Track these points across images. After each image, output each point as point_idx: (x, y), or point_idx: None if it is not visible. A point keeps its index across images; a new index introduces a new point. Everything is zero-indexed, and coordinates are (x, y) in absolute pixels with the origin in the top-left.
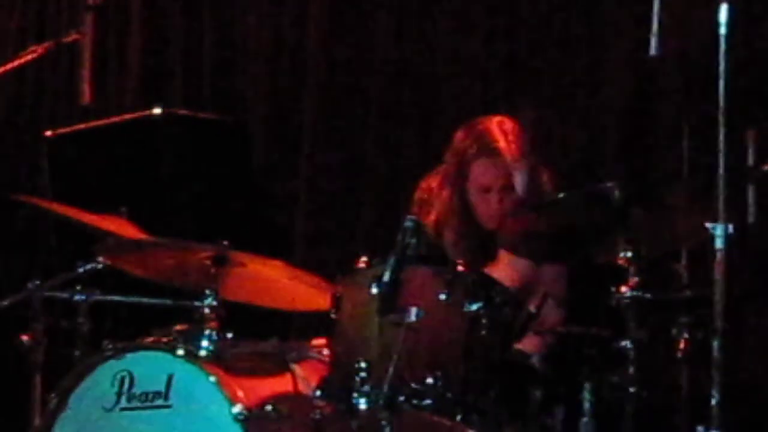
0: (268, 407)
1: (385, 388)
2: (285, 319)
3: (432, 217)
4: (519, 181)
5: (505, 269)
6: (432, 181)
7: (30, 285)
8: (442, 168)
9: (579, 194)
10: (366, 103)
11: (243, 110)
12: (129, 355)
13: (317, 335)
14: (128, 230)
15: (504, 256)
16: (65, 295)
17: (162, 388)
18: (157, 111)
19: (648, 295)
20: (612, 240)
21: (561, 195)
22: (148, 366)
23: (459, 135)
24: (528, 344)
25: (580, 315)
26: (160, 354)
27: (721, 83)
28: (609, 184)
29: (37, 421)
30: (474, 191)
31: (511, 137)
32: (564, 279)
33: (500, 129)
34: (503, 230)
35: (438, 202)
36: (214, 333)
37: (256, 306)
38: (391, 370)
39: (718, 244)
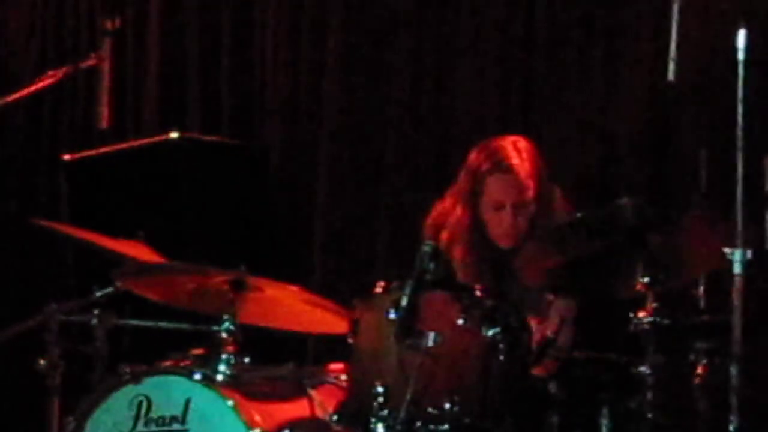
0: None
1: (403, 413)
2: (302, 344)
3: (444, 236)
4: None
5: None
6: (445, 203)
7: (47, 309)
8: (455, 187)
9: (596, 214)
10: (384, 128)
11: (260, 135)
12: (146, 380)
13: (334, 360)
14: (146, 255)
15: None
16: (82, 319)
17: (179, 412)
18: (174, 135)
19: (666, 321)
20: (631, 269)
21: (578, 215)
22: (165, 390)
23: (473, 153)
24: (544, 368)
25: (598, 340)
26: (177, 378)
27: (739, 108)
28: (624, 200)
29: None
30: (487, 208)
31: (524, 155)
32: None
33: (514, 147)
34: (518, 260)
35: (451, 220)
36: (231, 357)
37: (273, 330)
38: (408, 395)
39: (737, 269)
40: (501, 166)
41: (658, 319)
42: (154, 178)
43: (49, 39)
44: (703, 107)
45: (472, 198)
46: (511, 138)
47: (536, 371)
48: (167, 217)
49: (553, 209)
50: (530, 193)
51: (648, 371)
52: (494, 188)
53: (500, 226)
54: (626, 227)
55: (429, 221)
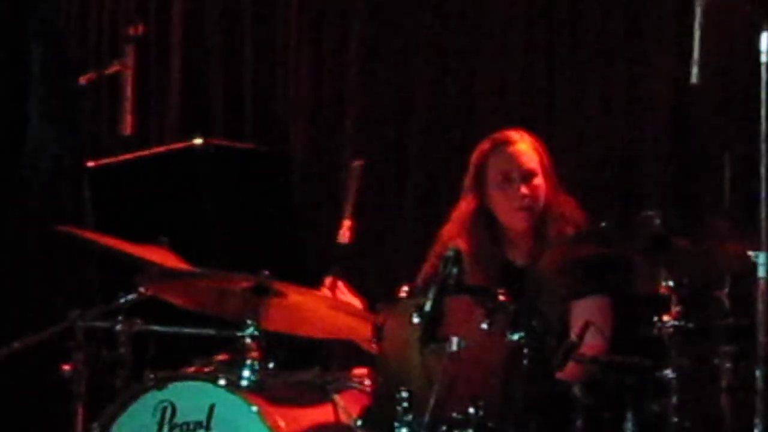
0: None
1: (427, 417)
2: (326, 349)
3: (449, 231)
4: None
5: None
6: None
7: (72, 315)
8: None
9: (621, 223)
10: (408, 131)
11: (284, 140)
12: (170, 385)
13: (358, 365)
14: (170, 260)
15: None
16: (107, 325)
17: (203, 418)
18: (198, 141)
19: (690, 324)
20: (654, 269)
21: (603, 224)
22: (189, 396)
23: (476, 148)
24: (568, 372)
25: (622, 344)
26: (201, 384)
27: (763, 110)
28: (651, 213)
29: None
30: (494, 188)
31: (525, 137)
32: (607, 311)
33: (514, 130)
34: (543, 262)
35: (455, 216)
36: (255, 363)
37: (297, 336)
38: (432, 399)
39: (761, 272)
40: (502, 142)
41: (682, 323)
42: (178, 184)
43: (72, 46)
44: (727, 110)
45: (477, 186)
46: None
47: (564, 376)
48: (191, 222)
49: (562, 199)
50: (534, 164)
51: (672, 375)
52: (498, 163)
53: (510, 201)
54: (652, 235)
55: (439, 238)
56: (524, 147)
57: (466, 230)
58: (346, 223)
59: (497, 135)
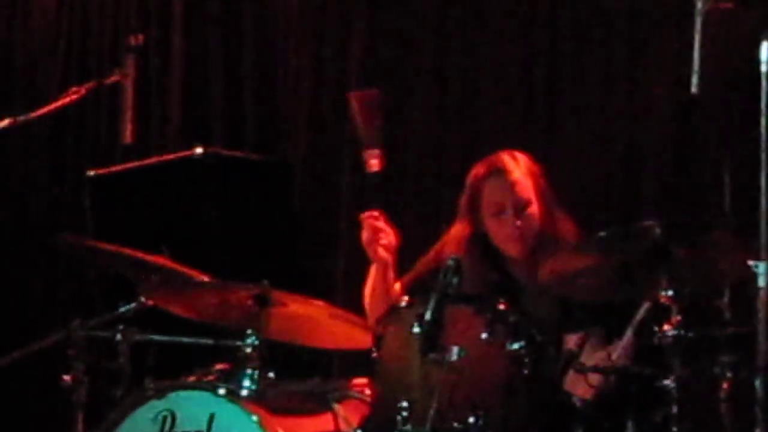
0: None
1: (427, 427)
2: (326, 359)
3: (440, 251)
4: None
5: None
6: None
7: (72, 324)
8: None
9: (620, 232)
10: (407, 142)
11: (284, 150)
12: (171, 395)
13: (359, 374)
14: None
15: None
16: (107, 334)
17: (203, 427)
18: (198, 151)
19: (691, 334)
20: (653, 279)
21: (602, 234)
22: (189, 405)
23: (472, 170)
24: (578, 389)
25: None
26: (201, 393)
27: (763, 120)
28: (651, 222)
29: None
30: (488, 216)
31: (520, 161)
32: (602, 340)
33: (509, 155)
34: (542, 272)
35: (450, 238)
36: (255, 372)
37: (297, 345)
38: (432, 409)
39: (761, 281)
40: (496, 169)
41: (682, 332)
42: (179, 193)
43: (73, 55)
44: (727, 119)
45: (472, 211)
46: (509, 151)
47: (581, 392)
48: (191, 232)
49: (558, 219)
50: (528, 193)
51: (673, 384)
52: (492, 192)
53: (504, 231)
54: (652, 244)
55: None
56: (518, 175)
57: (462, 251)
58: (371, 153)
59: (492, 159)
